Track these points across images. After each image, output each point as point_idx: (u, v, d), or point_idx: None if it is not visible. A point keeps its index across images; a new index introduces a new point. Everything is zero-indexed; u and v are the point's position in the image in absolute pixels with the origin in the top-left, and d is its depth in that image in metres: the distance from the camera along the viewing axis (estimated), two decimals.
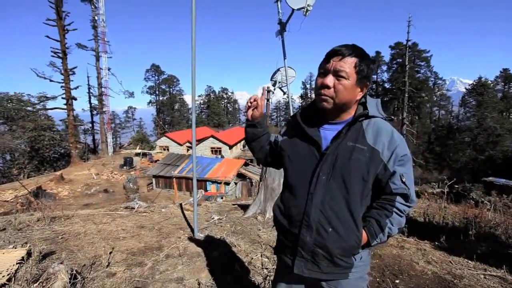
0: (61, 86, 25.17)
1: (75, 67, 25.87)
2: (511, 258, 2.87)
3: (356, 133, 1.10)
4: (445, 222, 4.35)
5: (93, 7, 29.99)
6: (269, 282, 2.39)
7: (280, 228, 1.23)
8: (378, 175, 1.10)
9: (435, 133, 42.44)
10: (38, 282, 2.09)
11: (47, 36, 23.64)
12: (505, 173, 21.33)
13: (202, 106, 67.21)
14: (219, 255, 2.95)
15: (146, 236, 3.48)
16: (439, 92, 49.80)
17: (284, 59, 4.81)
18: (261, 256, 2.93)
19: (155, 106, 59.70)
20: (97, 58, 32.32)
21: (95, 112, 35.57)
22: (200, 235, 3.50)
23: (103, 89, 32.48)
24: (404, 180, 1.10)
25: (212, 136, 34.20)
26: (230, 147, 33.20)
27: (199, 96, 67.78)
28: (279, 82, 5.59)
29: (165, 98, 60.22)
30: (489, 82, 40.74)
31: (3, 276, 2.05)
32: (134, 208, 4.73)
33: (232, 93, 75.16)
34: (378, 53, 47.36)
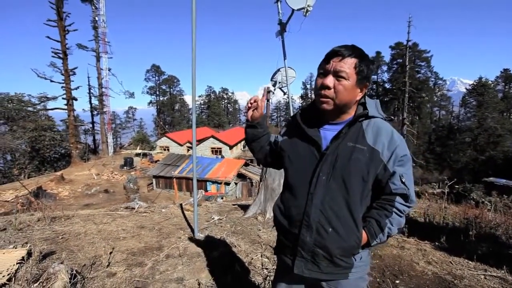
0: (62, 87, 25.22)
1: (76, 68, 25.98)
2: None
3: (356, 133, 1.10)
4: (445, 223, 4.35)
5: (93, 7, 30.07)
6: (269, 283, 2.38)
7: (280, 228, 1.23)
8: (378, 175, 1.10)
9: (435, 134, 42.37)
10: (38, 282, 2.09)
11: (48, 37, 23.71)
12: (505, 173, 21.32)
13: (202, 106, 67.23)
14: (219, 255, 2.95)
15: (146, 236, 3.48)
16: (439, 92, 49.78)
17: (284, 59, 4.82)
18: (261, 256, 2.93)
19: (156, 107, 59.74)
20: (98, 58, 32.45)
21: (95, 112, 35.69)
22: (200, 235, 3.50)
23: (103, 89, 32.55)
24: (404, 180, 1.10)
25: (213, 137, 34.21)
26: (231, 147, 33.21)
27: (200, 96, 67.91)
28: (279, 82, 5.59)
29: (165, 98, 60.26)
30: (490, 82, 40.64)
31: (3, 276, 2.05)
32: (134, 208, 4.73)
33: (233, 93, 75.28)
34: (378, 53, 47.39)
